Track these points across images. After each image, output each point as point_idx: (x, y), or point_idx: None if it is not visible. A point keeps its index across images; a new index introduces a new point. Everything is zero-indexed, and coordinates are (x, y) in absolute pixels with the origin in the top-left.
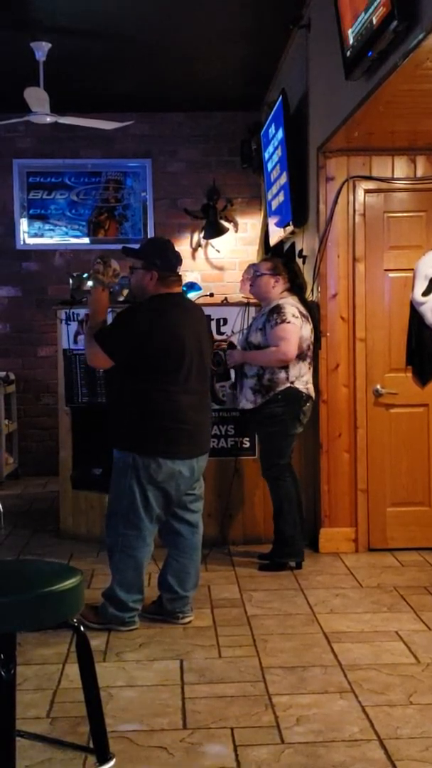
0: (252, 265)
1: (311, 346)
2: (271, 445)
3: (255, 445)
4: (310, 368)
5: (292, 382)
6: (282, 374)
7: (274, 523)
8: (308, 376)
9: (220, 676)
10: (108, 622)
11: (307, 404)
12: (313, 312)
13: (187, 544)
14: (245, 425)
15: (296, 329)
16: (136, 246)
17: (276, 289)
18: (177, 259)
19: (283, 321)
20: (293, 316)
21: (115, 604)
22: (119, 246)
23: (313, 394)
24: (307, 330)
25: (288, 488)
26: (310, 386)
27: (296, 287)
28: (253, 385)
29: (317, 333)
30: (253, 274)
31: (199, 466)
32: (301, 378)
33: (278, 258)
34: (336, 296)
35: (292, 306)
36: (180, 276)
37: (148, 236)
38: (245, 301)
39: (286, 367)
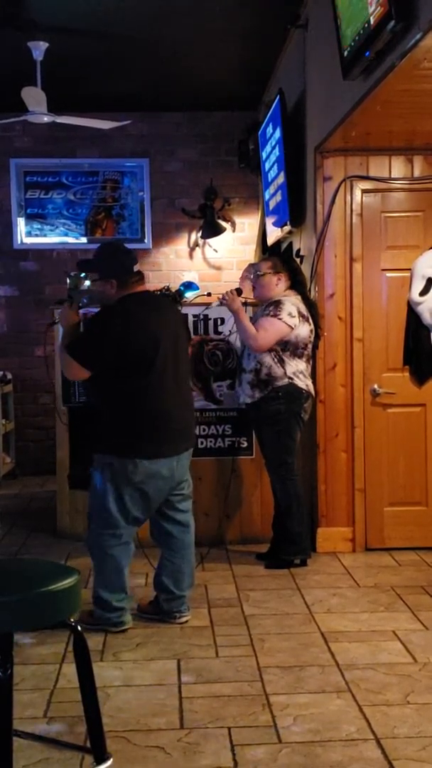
0: (252, 265)
1: (308, 345)
2: (278, 444)
3: (253, 445)
4: (308, 366)
5: (290, 378)
6: (279, 370)
7: (280, 521)
8: (306, 373)
9: (218, 676)
10: (98, 624)
11: (308, 401)
12: (313, 310)
13: (179, 543)
14: (246, 424)
15: (283, 328)
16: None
17: (279, 287)
18: (131, 260)
19: (275, 315)
20: (289, 314)
21: (100, 605)
22: None
23: (313, 392)
24: (304, 330)
25: (297, 487)
26: (310, 384)
27: (298, 284)
28: (251, 379)
29: (317, 331)
30: (254, 275)
31: (180, 465)
32: (299, 374)
33: (277, 256)
34: (333, 296)
35: (292, 305)
36: (141, 274)
37: (146, 236)
38: (243, 300)
39: (282, 362)
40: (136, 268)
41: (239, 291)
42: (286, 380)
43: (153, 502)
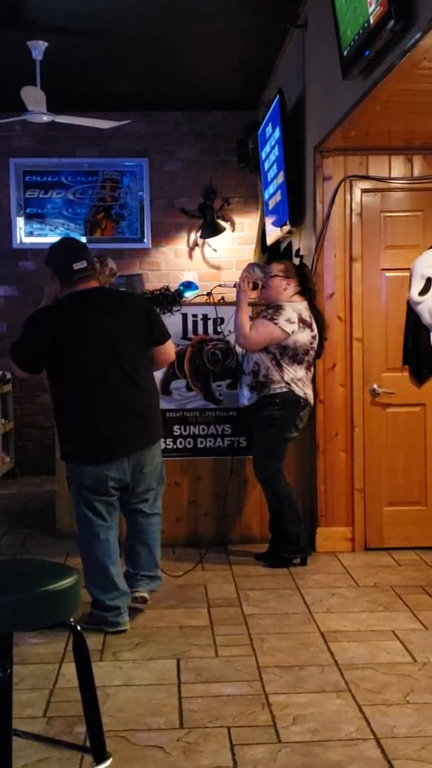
0: (254, 265)
1: (309, 352)
2: (267, 447)
3: (252, 445)
4: (307, 373)
5: (288, 383)
6: (277, 374)
7: (275, 524)
8: (306, 381)
9: (217, 676)
10: (97, 624)
11: (305, 410)
12: (319, 318)
13: (135, 527)
14: (245, 424)
15: (276, 333)
16: None
17: (287, 291)
18: (70, 257)
19: (272, 319)
20: (287, 320)
21: (95, 604)
22: (116, 245)
23: (311, 401)
24: (304, 336)
25: (284, 488)
26: (309, 392)
27: (306, 291)
28: (249, 382)
29: (321, 339)
30: (265, 274)
31: (132, 465)
32: (297, 381)
33: (290, 261)
34: (333, 296)
35: (293, 311)
36: (88, 271)
37: (145, 235)
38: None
39: (280, 367)
40: (80, 265)
41: (255, 285)
42: (283, 385)
43: (112, 498)
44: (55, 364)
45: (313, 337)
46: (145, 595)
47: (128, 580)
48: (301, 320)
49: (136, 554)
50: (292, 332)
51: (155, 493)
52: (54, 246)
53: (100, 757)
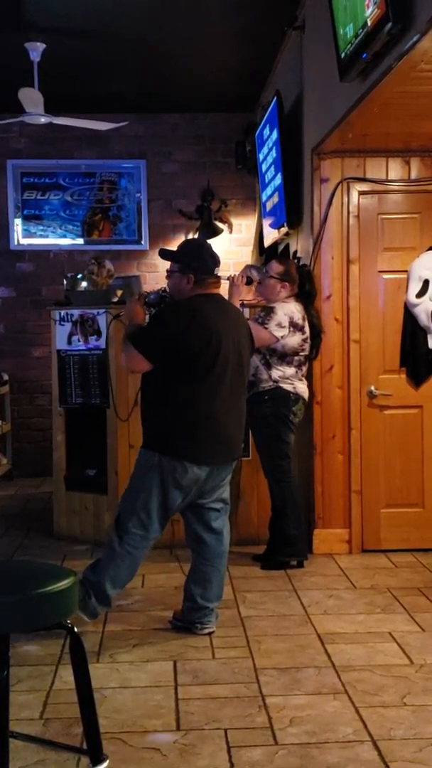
0: (252, 266)
1: (299, 353)
2: (268, 446)
3: (249, 446)
4: (298, 371)
5: (276, 382)
6: (265, 373)
7: (274, 523)
8: (296, 378)
9: (214, 678)
10: (82, 609)
11: (297, 404)
12: (314, 321)
13: (209, 552)
14: None
15: (266, 338)
16: (173, 249)
17: (281, 294)
18: (214, 261)
19: (263, 323)
20: (278, 325)
21: (98, 596)
22: (113, 247)
23: (304, 396)
24: (294, 340)
25: (291, 489)
26: (300, 386)
27: (303, 295)
28: None
29: (316, 342)
30: (263, 273)
31: (219, 473)
32: (285, 379)
33: (292, 261)
34: (330, 297)
35: (284, 314)
36: (218, 278)
37: (143, 237)
38: (241, 301)
39: (268, 366)
40: (218, 271)
41: (249, 280)
42: (271, 384)
43: (183, 505)
44: (187, 359)
45: (304, 340)
46: (215, 629)
47: (194, 614)
48: (292, 324)
49: (208, 583)
50: (282, 337)
51: (225, 507)
52: (193, 244)
53: (97, 759)
